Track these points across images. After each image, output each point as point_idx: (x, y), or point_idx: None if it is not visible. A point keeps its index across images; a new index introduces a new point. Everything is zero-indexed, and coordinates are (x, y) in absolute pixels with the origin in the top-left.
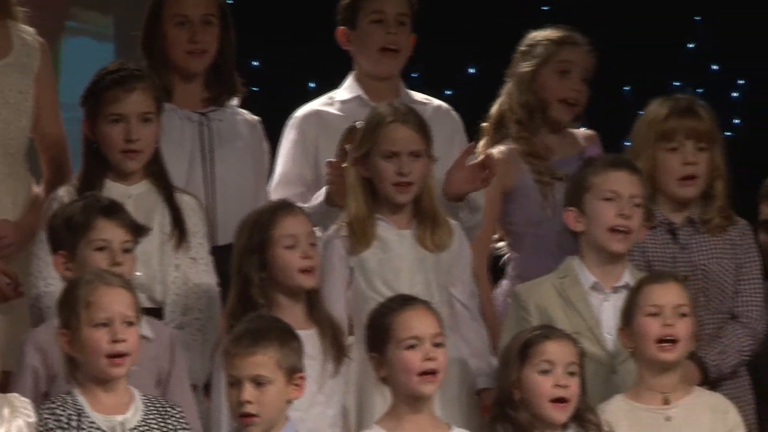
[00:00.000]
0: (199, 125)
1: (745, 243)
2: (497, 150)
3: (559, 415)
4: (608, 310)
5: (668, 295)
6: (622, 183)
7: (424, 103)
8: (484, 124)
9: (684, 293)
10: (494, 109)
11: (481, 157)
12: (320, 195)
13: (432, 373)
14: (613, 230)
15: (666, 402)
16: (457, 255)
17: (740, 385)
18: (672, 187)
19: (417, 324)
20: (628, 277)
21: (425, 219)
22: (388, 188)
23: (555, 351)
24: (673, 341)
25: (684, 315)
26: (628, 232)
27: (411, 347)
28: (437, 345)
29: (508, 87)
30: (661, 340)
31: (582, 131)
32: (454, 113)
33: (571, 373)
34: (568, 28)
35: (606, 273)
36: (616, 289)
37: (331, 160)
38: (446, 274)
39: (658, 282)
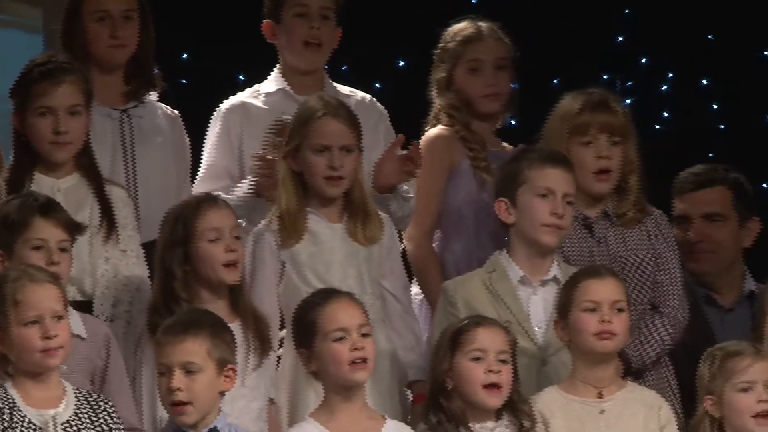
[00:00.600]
0: (120, 122)
1: (662, 233)
2: (442, 128)
3: (493, 400)
4: (537, 304)
5: (605, 291)
6: (557, 181)
7: (349, 96)
8: (427, 128)
9: (620, 288)
10: (432, 113)
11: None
12: (243, 186)
13: (362, 361)
14: (545, 226)
15: (600, 395)
16: (388, 248)
17: (663, 375)
18: (587, 181)
19: (342, 316)
20: (556, 270)
21: (356, 212)
22: (320, 182)
23: (486, 338)
24: (611, 334)
25: (621, 310)
26: (560, 229)
27: (338, 339)
28: (364, 335)
29: (433, 91)
30: (602, 332)
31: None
32: (378, 105)
33: (503, 361)
34: (476, 20)
35: (534, 266)
36: (544, 283)
37: (259, 152)
38: (378, 266)
39: (595, 277)
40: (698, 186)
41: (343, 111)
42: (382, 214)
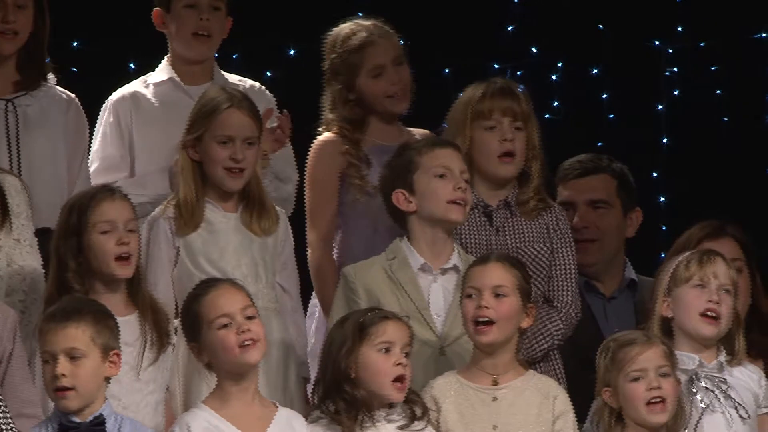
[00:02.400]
0: (5, 112)
1: (560, 228)
2: (332, 133)
3: (399, 395)
4: (437, 292)
5: (484, 277)
6: (451, 159)
7: (238, 84)
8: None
9: (506, 275)
10: (323, 122)
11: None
12: (158, 181)
13: (251, 342)
14: (451, 202)
15: (495, 383)
16: (282, 242)
17: (551, 368)
18: (491, 165)
19: (223, 302)
20: (456, 258)
21: (252, 203)
22: (220, 173)
23: (395, 332)
24: (486, 323)
25: (502, 295)
26: (465, 204)
27: (224, 326)
28: (249, 318)
29: (327, 103)
30: (476, 322)
31: (419, 131)
32: (267, 93)
33: (408, 354)
34: (358, 21)
35: (435, 254)
36: (444, 271)
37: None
38: (272, 258)
39: (478, 264)
40: (584, 173)
41: (247, 103)
42: (278, 209)
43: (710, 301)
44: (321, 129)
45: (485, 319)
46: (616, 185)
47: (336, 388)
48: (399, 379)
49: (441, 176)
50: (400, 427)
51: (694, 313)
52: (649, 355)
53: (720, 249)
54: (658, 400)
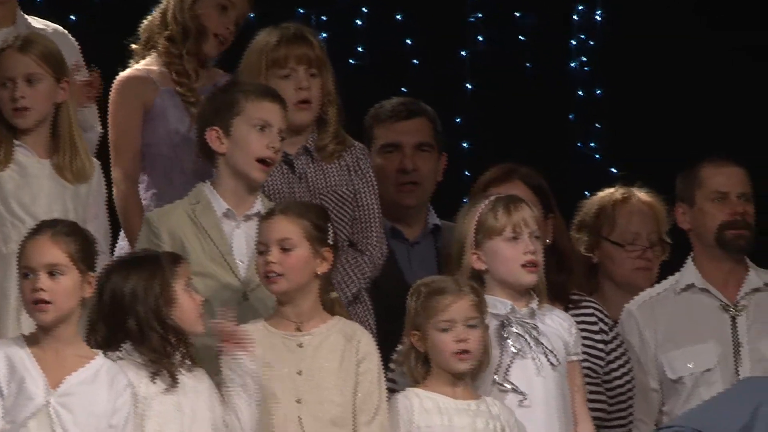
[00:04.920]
0: None
1: (361, 168)
2: (134, 69)
3: (200, 327)
4: (240, 238)
5: (269, 231)
6: (275, 115)
7: (43, 29)
8: (134, 45)
9: (291, 226)
10: (144, 25)
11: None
12: None
13: (42, 302)
14: (259, 160)
15: (298, 329)
16: (95, 191)
17: (361, 311)
18: (288, 112)
19: (29, 254)
20: (260, 205)
21: (64, 147)
22: (9, 114)
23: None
24: (276, 275)
25: (288, 249)
26: (271, 164)
27: (23, 276)
28: (51, 273)
29: (166, 4)
30: (265, 276)
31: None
32: (71, 38)
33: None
34: None
35: (239, 201)
36: (247, 217)
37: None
38: (84, 207)
39: (264, 218)
40: (409, 115)
41: (28, 45)
42: (94, 159)
43: (528, 252)
44: (136, 57)
45: (273, 274)
46: (433, 128)
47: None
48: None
49: (260, 129)
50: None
51: (514, 265)
52: (458, 307)
53: (508, 191)
54: (465, 351)
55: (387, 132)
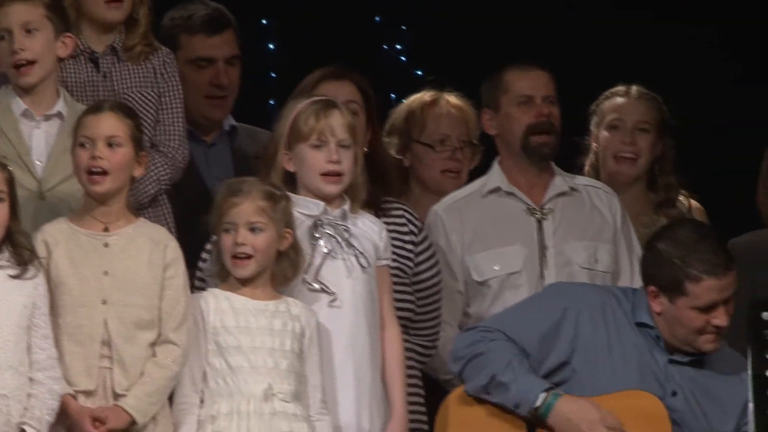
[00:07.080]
0: None
1: (167, 72)
2: None
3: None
4: (39, 138)
5: (97, 127)
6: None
7: None
8: None
9: (119, 124)
10: None
11: None
12: None
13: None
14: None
15: (106, 229)
16: None
17: (160, 212)
18: (98, 11)
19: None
20: (61, 105)
21: None
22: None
23: None
24: (101, 173)
25: (115, 145)
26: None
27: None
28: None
29: None
30: (89, 172)
31: None
32: None
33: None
34: None
35: (37, 101)
36: (47, 117)
37: None
38: None
39: (91, 113)
40: (220, 28)
41: None
42: None
43: (330, 162)
44: None
45: (99, 170)
46: (239, 39)
47: None
48: None
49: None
50: (13, 276)
51: (315, 173)
52: (240, 210)
53: (337, 91)
54: (243, 255)
55: (199, 46)
